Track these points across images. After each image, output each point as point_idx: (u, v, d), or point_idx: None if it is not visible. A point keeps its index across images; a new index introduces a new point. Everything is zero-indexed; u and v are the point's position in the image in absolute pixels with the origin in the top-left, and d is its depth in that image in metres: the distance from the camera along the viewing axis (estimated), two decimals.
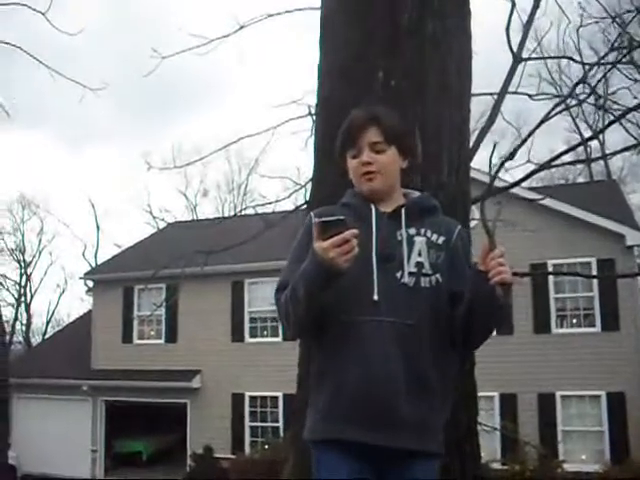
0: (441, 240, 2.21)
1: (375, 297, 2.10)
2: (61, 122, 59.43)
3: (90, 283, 21.48)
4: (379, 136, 2.19)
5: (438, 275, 2.17)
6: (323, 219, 1.94)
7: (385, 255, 2.14)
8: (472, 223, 3.02)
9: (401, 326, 2.10)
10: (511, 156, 4.38)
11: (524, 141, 4.87)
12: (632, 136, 23.00)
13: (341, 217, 1.94)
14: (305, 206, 5.32)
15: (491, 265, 1.99)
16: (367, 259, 2.11)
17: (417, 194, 2.32)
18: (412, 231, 2.19)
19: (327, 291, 2.01)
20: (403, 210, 2.21)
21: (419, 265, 2.16)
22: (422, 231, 2.20)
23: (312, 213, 2.26)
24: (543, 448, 13.32)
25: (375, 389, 2.07)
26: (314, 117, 5.51)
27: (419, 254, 2.17)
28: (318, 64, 2.92)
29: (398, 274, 2.14)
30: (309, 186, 5.65)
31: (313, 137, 2.95)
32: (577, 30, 6.19)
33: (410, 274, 2.14)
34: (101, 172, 58.61)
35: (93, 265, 32.78)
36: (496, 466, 13.37)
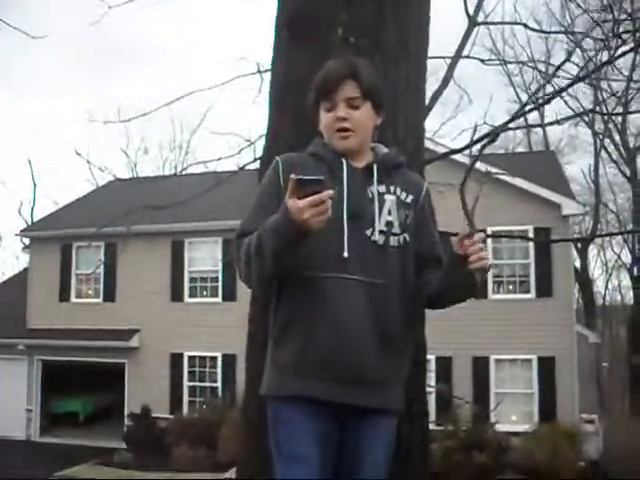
0: (409, 199, 2.21)
1: (345, 254, 2.08)
2: None
3: (26, 240, 20.95)
4: (356, 91, 2.14)
5: (406, 234, 2.17)
6: (300, 177, 1.85)
7: (355, 212, 2.11)
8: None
9: (370, 284, 2.09)
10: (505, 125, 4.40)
11: (520, 111, 4.87)
12: (570, 109, 23.52)
13: (320, 177, 1.88)
14: (254, 164, 5.28)
15: (471, 250, 2.00)
16: (337, 215, 2.05)
17: (384, 149, 2.29)
18: (382, 189, 2.17)
19: (294, 249, 1.96)
20: (375, 167, 2.18)
21: (389, 224, 2.14)
22: (392, 189, 2.18)
23: (278, 158, 2.19)
24: (477, 408, 13.70)
25: (343, 347, 2.05)
26: (262, 75, 5.45)
27: (389, 213, 2.15)
28: (276, 16, 2.88)
29: (368, 232, 2.12)
30: (258, 144, 5.62)
31: (268, 91, 2.91)
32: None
33: (380, 232, 2.12)
34: (39, 126, 56.82)
35: (30, 222, 31.91)
36: (431, 426, 13.69)
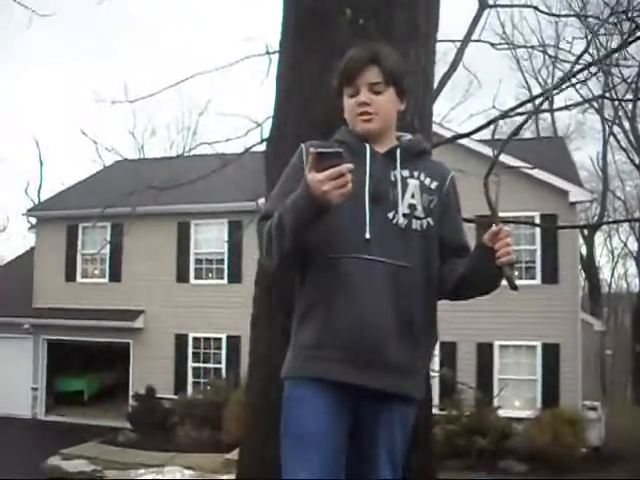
0: (434, 185, 2.20)
1: (367, 235, 2.07)
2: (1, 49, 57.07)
3: (33, 220, 21.00)
4: (378, 76, 2.13)
5: (429, 219, 2.16)
6: (319, 150, 1.85)
7: (378, 195, 2.10)
8: None
9: (393, 267, 2.07)
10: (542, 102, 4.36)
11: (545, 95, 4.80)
12: (580, 94, 23.37)
13: (339, 150, 1.88)
14: (260, 146, 5.26)
15: (499, 245, 2.01)
16: (360, 197, 2.06)
17: (409, 136, 2.28)
18: (405, 173, 2.16)
19: (314, 225, 1.94)
20: (398, 151, 2.17)
21: (412, 207, 2.13)
22: (415, 174, 2.17)
23: (303, 145, 2.18)
24: (480, 394, 13.75)
25: (365, 329, 2.04)
26: (270, 56, 5.42)
27: (412, 196, 2.14)
28: None
29: (390, 214, 2.11)
30: (265, 125, 5.60)
31: (276, 74, 2.89)
32: None
33: (403, 215, 2.11)
34: (45, 105, 56.78)
35: (36, 202, 31.96)
36: (434, 411, 13.75)
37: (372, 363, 2.05)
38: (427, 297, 2.16)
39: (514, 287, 2.04)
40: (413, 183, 2.16)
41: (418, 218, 2.14)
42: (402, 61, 2.27)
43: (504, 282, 2.09)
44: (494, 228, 2.03)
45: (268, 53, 5.20)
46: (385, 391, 2.09)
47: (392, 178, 2.14)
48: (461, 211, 2.30)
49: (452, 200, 2.25)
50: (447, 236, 2.21)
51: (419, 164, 2.21)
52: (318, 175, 1.83)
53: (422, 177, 2.18)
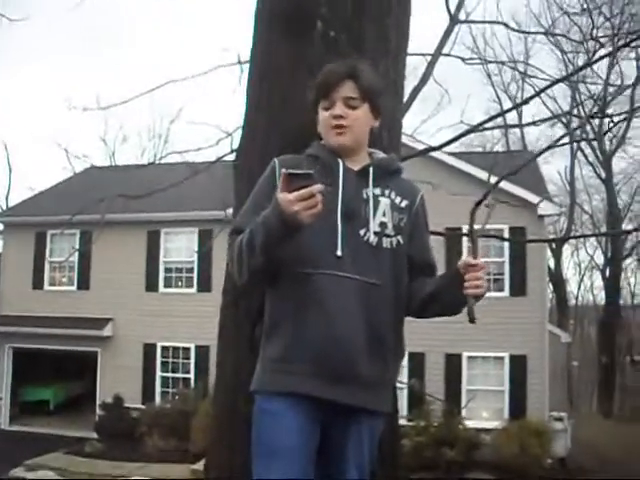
0: (404, 203, 2.23)
1: (339, 252, 2.09)
2: None
3: (0, 226, 20.71)
4: (355, 91, 2.15)
5: (399, 237, 2.19)
6: (290, 171, 1.88)
7: (350, 212, 2.12)
8: None
9: (363, 284, 2.09)
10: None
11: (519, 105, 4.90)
12: (549, 109, 23.72)
13: (309, 171, 1.90)
14: (231, 156, 5.25)
15: (469, 276, 2.04)
16: (331, 214, 2.08)
17: (382, 155, 2.31)
18: (377, 191, 2.19)
19: (285, 243, 1.97)
20: (371, 169, 2.19)
21: (382, 225, 2.16)
22: (387, 192, 2.20)
23: (276, 160, 2.20)
24: (448, 405, 13.82)
25: (336, 344, 2.05)
26: (242, 66, 5.42)
27: (383, 214, 2.17)
28: (255, 8, 2.86)
29: (362, 232, 2.13)
30: (236, 135, 5.59)
31: (246, 84, 2.89)
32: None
33: (374, 233, 2.14)
34: (15, 109, 56.09)
35: (4, 208, 31.53)
36: (402, 422, 13.79)
37: (342, 378, 2.07)
38: (396, 313, 2.19)
39: (472, 320, 2.07)
40: (384, 201, 2.19)
41: (388, 236, 2.17)
42: (379, 79, 2.31)
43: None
44: (471, 260, 2.07)
45: (240, 63, 5.20)
46: (355, 406, 2.10)
47: (364, 196, 2.16)
48: (429, 229, 2.34)
49: (421, 219, 2.29)
50: (415, 254, 2.25)
51: (390, 182, 2.24)
52: (289, 195, 1.85)
53: (393, 196, 2.21)
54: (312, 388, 2.05)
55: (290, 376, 2.07)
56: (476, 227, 4.04)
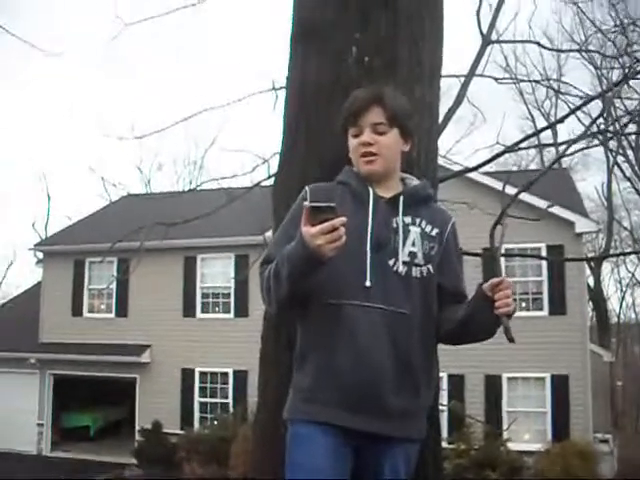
0: (435, 232, 2.21)
1: (367, 283, 2.08)
2: (6, 82, 57.72)
3: (40, 255, 21.07)
4: (382, 117, 2.15)
5: (429, 266, 2.17)
6: (313, 204, 1.89)
7: (379, 241, 2.12)
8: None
9: (392, 314, 2.08)
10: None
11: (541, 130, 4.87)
12: (584, 125, 23.47)
13: (332, 204, 1.90)
14: (267, 181, 5.30)
15: (499, 295, 2.02)
16: (361, 244, 2.09)
17: (415, 181, 2.30)
18: (408, 220, 2.18)
19: (311, 276, 1.98)
20: (401, 198, 2.18)
21: (412, 255, 2.15)
22: (417, 221, 2.19)
23: (307, 188, 2.21)
24: (489, 427, 13.62)
25: (363, 375, 2.05)
26: (277, 92, 5.48)
27: (413, 244, 2.16)
28: (290, 35, 2.89)
29: (391, 262, 2.12)
30: (272, 161, 5.64)
31: (283, 110, 2.92)
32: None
33: (403, 263, 2.13)
34: (53, 139, 57.25)
35: (43, 236, 32.09)
36: (443, 445, 13.62)
37: (369, 407, 2.07)
38: (426, 342, 2.18)
39: (511, 339, 2.05)
40: (414, 230, 2.18)
41: (418, 265, 2.16)
42: (407, 102, 2.29)
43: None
44: (495, 279, 2.04)
45: (274, 89, 5.26)
46: (382, 434, 2.10)
47: (394, 225, 2.16)
48: (461, 258, 2.33)
49: (452, 248, 2.27)
50: (446, 283, 2.23)
51: (421, 211, 2.22)
52: (312, 229, 1.87)
53: (423, 224, 2.20)
54: (339, 418, 2.06)
55: (318, 405, 2.09)
56: (497, 247, 4.02)
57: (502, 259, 15.05)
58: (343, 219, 1.87)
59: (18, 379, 19.32)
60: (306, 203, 1.92)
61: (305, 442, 2.10)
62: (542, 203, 15.21)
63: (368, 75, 2.56)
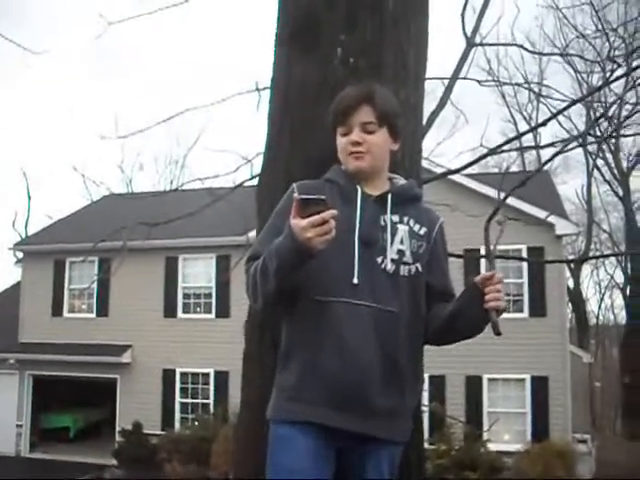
0: (423, 231, 2.21)
1: (355, 280, 2.08)
2: None
3: (20, 254, 20.90)
4: (371, 116, 2.15)
5: (418, 265, 2.17)
6: (303, 196, 1.88)
7: (367, 239, 2.11)
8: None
9: (380, 312, 2.08)
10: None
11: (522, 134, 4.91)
12: (564, 129, 23.69)
13: (322, 197, 1.90)
14: (250, 181, 5.29)
15: (489, 289, 2.02)
16: (348, 241, 2.08)
17: (402, 180, 2.30)
18: (395, 218, 2.18)
19: (299, 269, 1.97)
20: (389, 196, 2.18)
21: (400, 253, 2.14)
22: (405, 219, 2.19)
23: (295, 185, 2.19)
24: (469, 428, 13.69)
25: (350, 375, 2.04)
26: (260, 93, 5.48)
27: (401, 242, 2.15)
28: (275, 35, 2.90)
29: (379, 259, 2.12)
30: (255, 161, 5.64)
31: (268, 109, 2.92)
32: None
33: (391, 261, 2.12)
34: (33, 137, 56.74)
35: (23, 236, 31.80)
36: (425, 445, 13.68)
37: (355, 406, 2.06)
38: (414, 341, 2.17)
39: (498, 333, 2.04)
40: (402, 229, 2.17)
41: (406, 264, 2.15)
42: (396, 101, 2.30)
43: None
44: (487, 273, 2.05)
45: (258, 90, 5.25)
46: (367, 434, 2.09)
47: (382, 223, 2.15)
48: (447, 257, 2.33)
49: (440, 247, 2.27)
50: (434, 282, 2.23)
51: (409, 210, 2.22)
52: (302, 222, 1.86)
53: (411, 223, 2.20)
54: (324, 417, 2.05)
55: (303, 405, 2.07)
56: (492, 247, 4.06)
57: (482, 261, 15.16)
58: (333, 212, 1.86)
59: None
60: (296, 195, 1.91)
61: (287, 442, 2.08)
62: (524, 205, 15.35)
63: (354, 76, 2.57)
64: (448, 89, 4.50)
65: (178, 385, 18.00)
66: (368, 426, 2.08)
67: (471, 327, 2.15)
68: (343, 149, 2.20)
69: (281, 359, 2.19)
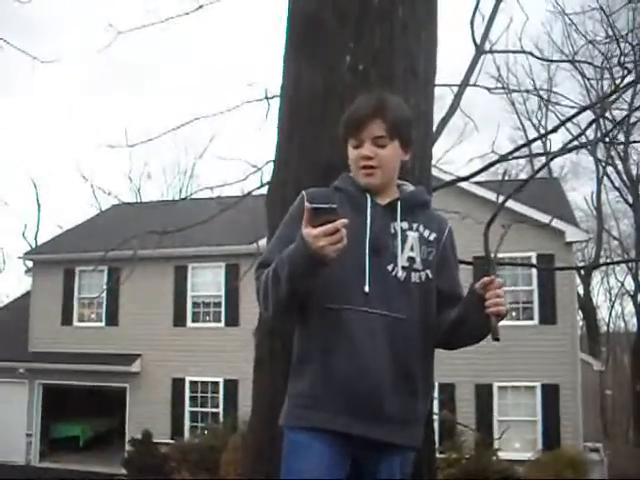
0: (432, 237, 2.21)
1: (366, 288, 2.08)
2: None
3: (30, 263, 20.97)
4: (382, 130, 2.13)
5: (428, 271, 2.17)
6: (314, 205, 1.89)
7: (378, 247, 2.11)
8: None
9: (391, 319, 2.08)
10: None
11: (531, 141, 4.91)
12: (573, 136, 23.62)
13: (333, 205, 1.90)
14: (260, 189, 5.30)
15: (490, 294, 2.01)
16: (359, 249, 2.08)
17: (411, 187, 2.30)
18: (405, 225, 2.18)
19: (311, 277, 1.97)
20: (399, 203, 2.18)
21: (410, 260, 2.15)
22: (415, 226, 2.19)
23: (304, 193, 2.20)
24: (480, 436, 13.62)
25: (362, 382, 2.04)
26: (269, 101, 5.50)
27: (411, 249, 2.16)
28: (284, 44, 2.90)
29: (389, 267, 2.12)
30: (265, 169, 5.64)
31: (277, 117, 2.93)
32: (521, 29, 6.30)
33: (402, 268, 2.13)
34: (43, 147, 57.03)
35: (33, 245, 31.95)
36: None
37: (369, 414, 2.06)
38: (425, 348, 2.17)
39: (496, 339, 2.04)
40: (412, 235, 2.17)
41: (417, 270, 2.15)
42: (408, 110, 2.28)
43: (501, 322, 2.08)
44: (486, 278, 2.04)
45: (267, 98, 5.27)
46: (384, 441, 2.09)
47: (392, 230, 2.15)
48: (457, 262, 2.32)
49: (449, 252, 2.27)
50: (444, 288, 2.23)
51: (418, 216, 2.22)
52: (313, 231, 1.86)
53: (421, 229, 2.20)
54: (338, 424, 2.05)
55: (316, 412, 2.07)
56: (492, 253, 4.04)
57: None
58: (345, 220, 1.87)
59: (7, 389, 19.18)
60: (307, 204, 1.91)
61: (303, 449, 2.09)
62: (533, 212, 15.31)
63: (363, 83, 2.57)
64: (458, 96, 4.50)
65: (188, 394, 17.98)
66: (384, 432, 2.08)
67: (474, 333, 2.15)
68: (354, 162, 2.19)
69: (294, 366, 2.19)
